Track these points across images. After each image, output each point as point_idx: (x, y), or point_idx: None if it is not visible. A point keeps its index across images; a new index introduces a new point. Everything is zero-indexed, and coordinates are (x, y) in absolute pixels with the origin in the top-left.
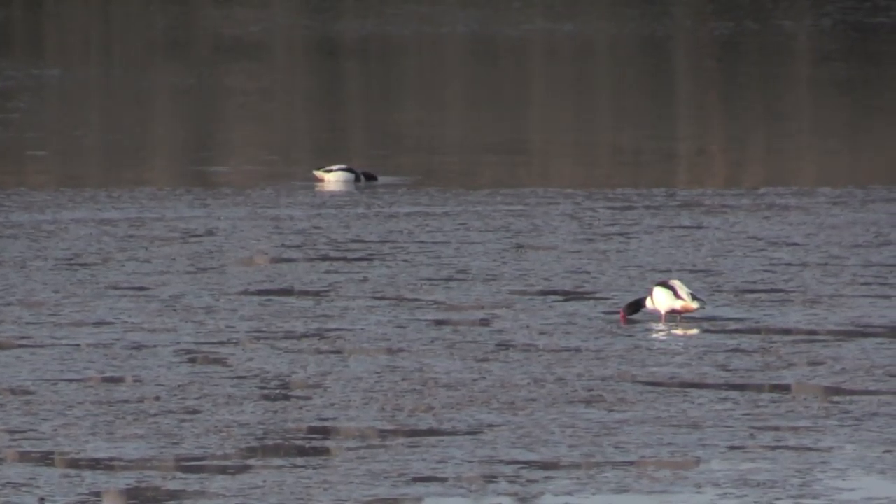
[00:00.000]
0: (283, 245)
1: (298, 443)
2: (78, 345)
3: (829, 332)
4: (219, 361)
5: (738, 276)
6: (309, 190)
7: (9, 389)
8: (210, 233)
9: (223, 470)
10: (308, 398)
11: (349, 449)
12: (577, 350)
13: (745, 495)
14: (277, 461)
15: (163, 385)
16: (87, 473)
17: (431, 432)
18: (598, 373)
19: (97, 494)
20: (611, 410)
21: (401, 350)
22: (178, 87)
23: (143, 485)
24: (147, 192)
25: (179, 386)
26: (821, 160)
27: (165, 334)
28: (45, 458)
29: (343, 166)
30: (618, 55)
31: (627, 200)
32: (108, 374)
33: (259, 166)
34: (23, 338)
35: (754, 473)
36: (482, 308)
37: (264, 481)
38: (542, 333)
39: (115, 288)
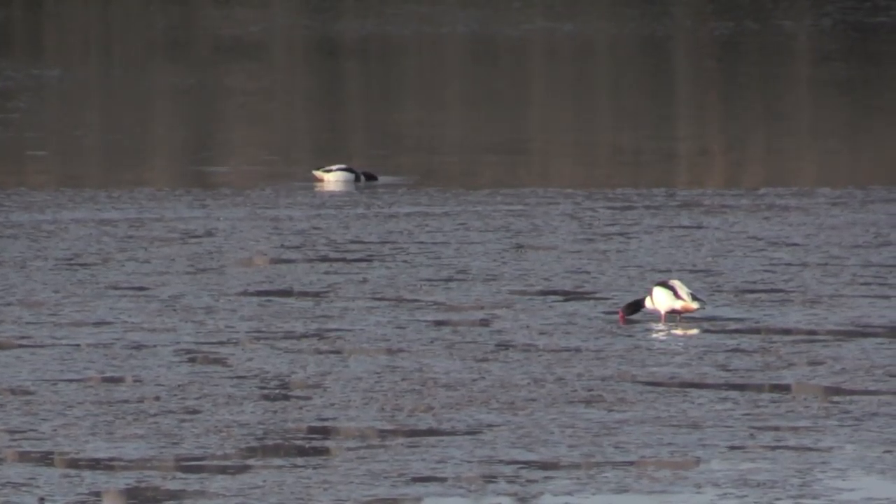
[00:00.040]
0: (282, 245)
1: (298, 443)
2: (78, 345)
3: (829, 333)
4: (219, 361)
5: (737, 276)
6: (308, 190)
7: (9, 389)
8: (210, 233)
9: (223, 470)
10: (308, 398)
11: (349, 449)
12: (577, 350)
13: (745, 495)
14: (277, 461)
15: (163, 385)
16: (86, 473)
17: (431, 432)
18: (598, 373)
19: (97, 494)
20: (611, 410)
21: (400, 350)
22: (178, 87)
23: (143, 485)
24: (147, 193)
25: (179, 386)
26: (821, 160)
27: (165, 334)
28: (45, 458)
29: (343, 166)
30: (618, 55)
31: (627, 200)
32: (107, 374)
33: (259, 166)
34: (23, 338)
35: (754, 473)
36: (482, 308)
37: (264, 481)
38: (541, 333)
39: (115, 288)
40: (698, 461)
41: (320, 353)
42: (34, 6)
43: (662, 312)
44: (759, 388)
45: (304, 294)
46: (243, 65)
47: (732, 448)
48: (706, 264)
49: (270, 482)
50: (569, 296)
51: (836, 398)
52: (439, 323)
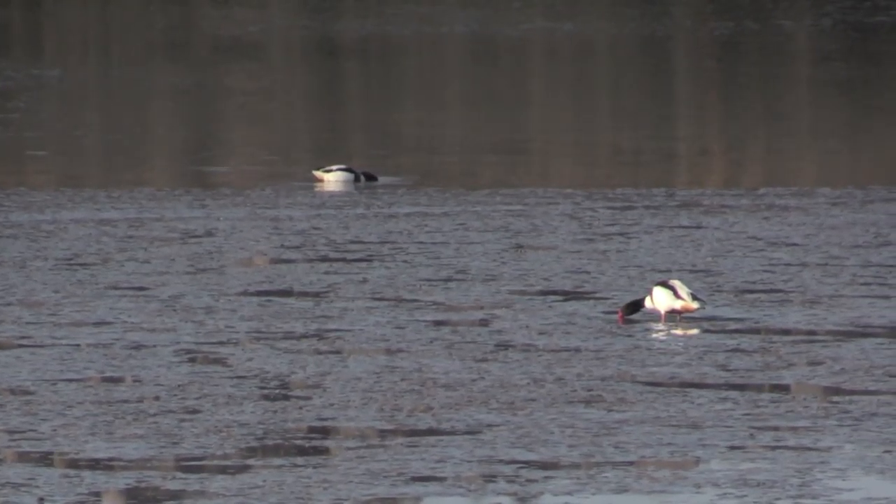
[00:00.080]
0: (282, 246)
1: (298, 442)
2: (78, 345)
3: (829, 333)
4: (218, 361)
5: (737, 276)
6: (308, 190)
7: (8, 389)
8: (209, 233)
9: (223, 470)
10: (307, 398)
11: (349, 449)
12: (577, 350)
13: (745, 495)
14: (277, 461)
15: (162, 385)
16: (86, 473)
17: (430, 432)
18: (598, 373)
19: (97, 494)
20: (610, 410)
21: (400, 350)
22: (177, 87)
23: (143, 485)
24: (146, 193)
25: (179, 386)
26: (821, 160)
27: (165, 334)
28: (45, 458)
29: (343, 166)
30: (618, 55)
31: (627, 200)
32: (107, 374)
33: (258, 166)
34: (22, 338)
35: (754, 473)
36: (481, 308)
37: (264, 481)
38: (541, 333)
39: (115, 288)
40: (698, 461)
41: (320, 353)
42: (34, 6)
43: (662, 312)
44: (758, 389)
45: (304, 294)
46: (243, 65)
47: (732, 448)
48: (706, 264)
49: (270, 482)
50: (568, 296)
51: (835, 398)
52: (439, 323)
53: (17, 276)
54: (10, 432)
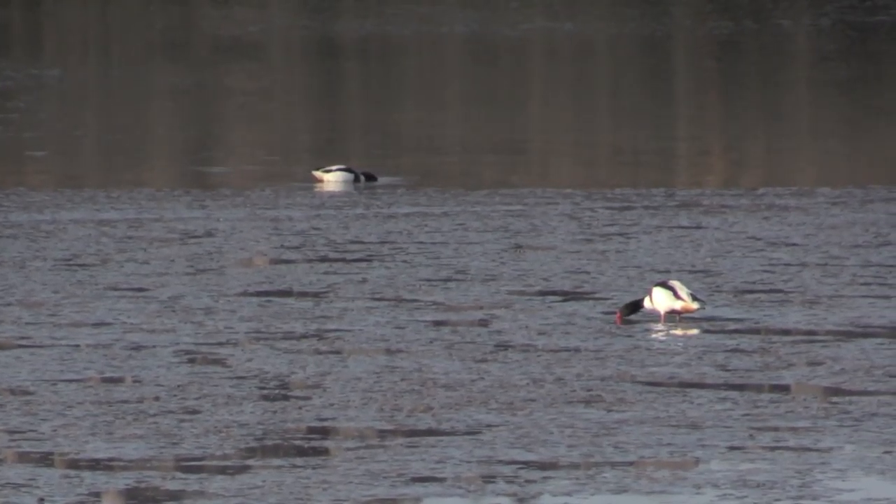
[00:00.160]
0: (282, 246)
1: (297, 443)
2: (77, 345)
3: (829, 333)
4: (218, 362)
5: (737, 276)
6: (308, 190)
7: (8, 390)
8: (209, 234)
9: (222, 470)
10: (307, 398)
11: (348, 449)
12: (576, 350)
13: (745, 496)
14: (277, 461)
15: (162, 385)
16: (86, 474)
17: (430, 432)
18: (597, 373)
19: (97, 495)
20: (610, 411)
21: (400, 350)
22: (177, 87)
23: (143, 485)
24: (146, 193)
25: (179, 386)
26: (820, 160)
27: (165, 335)
28: (45, 459)
29: (342, 167)
30: (617, 55)
31: (626, 201)
32: (107, 375)
33: (258, 166)
34: (22, 338)
35: (754, 474)
36: (481, 308)
37: (263, 481)
38: (540, 334)
39: (115, 289)
40: (697, 461)
41: (320, 353)
42: (33, 6)
43: (662, 313)
44: (758, 389)
45: (304, 294)
46: (242, 65)
47: (732, 448)
48: (705, 264)
49: (270, 482)
50: (568, 296)
51: (835, 398)
52: (438, 323)
53: (17, 276)
54: (10, 432)
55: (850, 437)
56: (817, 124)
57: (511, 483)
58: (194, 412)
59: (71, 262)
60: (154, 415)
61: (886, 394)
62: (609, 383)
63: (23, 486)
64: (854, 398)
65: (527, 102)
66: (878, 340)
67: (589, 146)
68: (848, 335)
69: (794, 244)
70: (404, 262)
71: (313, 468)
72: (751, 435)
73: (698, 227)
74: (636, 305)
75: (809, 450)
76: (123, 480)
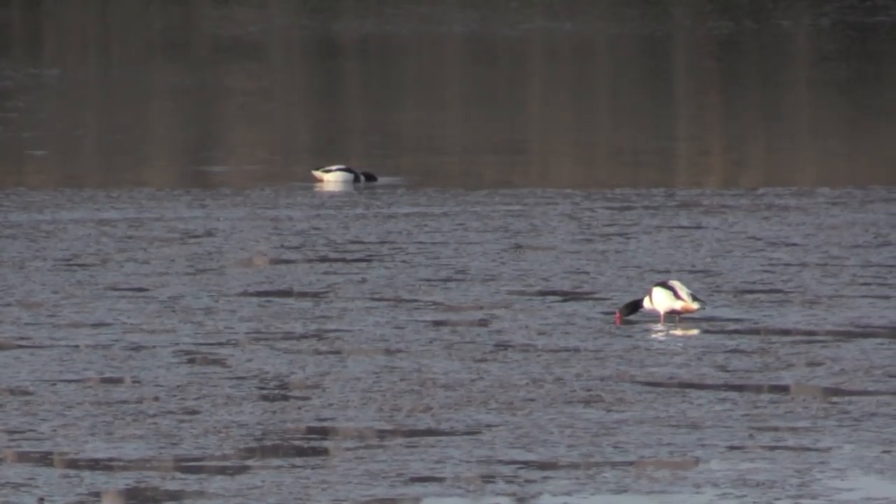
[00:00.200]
0: (282, 246)
1: (297, 443)
2: (77, 345)
3: (828, 333)
4: (218, 362)
5: (737, 276)
6: (308, 190)
7: (8, 390)
8: (209, 233)
9: (222, 470)
10: (307, 398)
11: (347, 449)
12: (576, 350)
13: (744, 495)
14: (276, 461)
15: (162, 386)
16: (86, 474)
17: (430, 432)
18: (597, 373)
19: (96, 495)
20: (609, 411)
21: (399, 350)
22: (177, 87)
23: (142, 485)
24: (146, 193)
25: (178, 386)
26: (820, 160)
27: (164, 335)
28: (45, 459)
29: (342, 166)
30: (618, 55)
31: (626, 201)
32: (107, 375)
33: (258, 166)
34: (22, 338)
35: (753, 474)
36: (481, 308)
37: (263, 481)
38: (540, 334)
39: (114, 289)
40: (697, 461)
41: (319, 353)
42: (33, 6)
43: (662, 313)
44: (758, 389)
45: (304, 294)
46: (242, 65)
47: (731, 448)
48: (705, 265)
49: (269, 482)
50: (567, 296)
51: (834, 398)
52: (438, 323)
53: (16, 276)
54: (10, 432)
55: (849, 436)
56: (817, 124)
57: (511, 483)
58: (194, 412)
59: (71, 262)
60: (153, 415)
61: (886, 394)
62: (609, 383)
63: (22, 485)
64: (853, 398)
65: (527, 102)
66: (878, 340)
67: (589, 146)
68: (848, 335)
69: (794, 244)
70: (404, 262)
71: (313, 468)
72: (750, 435)
73: (698, 227)
74: (636, 305)
75: (809, 449)
76: (123, 480)
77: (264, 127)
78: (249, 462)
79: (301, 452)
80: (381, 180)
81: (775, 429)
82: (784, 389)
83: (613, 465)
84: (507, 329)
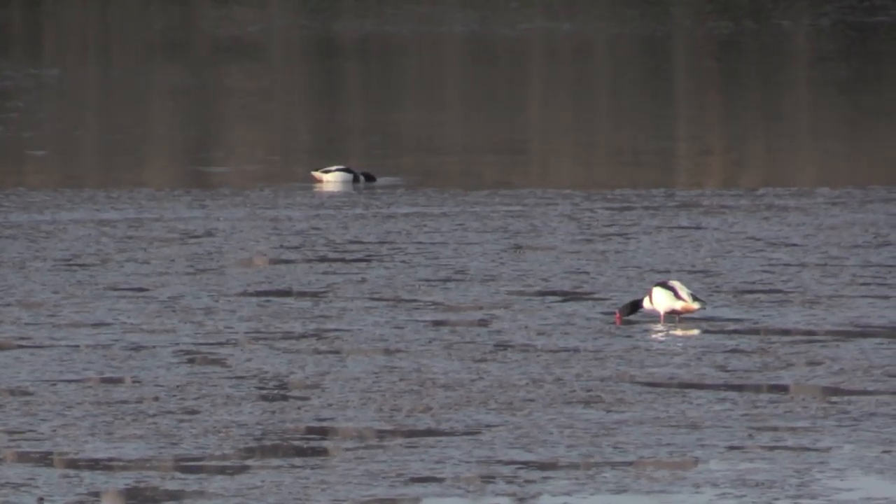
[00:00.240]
0: (281, 246)
1: (297, 443)
2: (77, 345)
3: (828, 333)
4: (217, 362)
5: (736, 276)
6: (308, 190)
7: (8, 390)
8: (209, 234)
9: (222, 470)
10: (306, 398)
11: (347, 449)
12: (576, 350)
13: (744, 495)
14: (276, 461)
15: (162, 385)
16: (86, 474)
17: (429, 432)
18: (597, 373)
19: (96, 495)
20: (609, 411)
21: (399, 350)
22: (177, 87)
23: (142, 485)
24: (146, 193)
25: (178, 386)
26: (820, 160)
27: (164, 335)
28: (44, 459)
29: (342, 167)
30: (617, 55)
31: (626, 201)
32: (107, 375)
33: (258, 166)
34: (22, 338)
35: (753, 473)
36: (480, 308)
37: (263, 481)
38: (540, 334)
39: (114, 289)
40: (697, 461)
41: (319, 353)
42: (33, 6)
43: (662, 313)
44: (757, 389)
45: (303, 294)
46: (242, 65)
47: (731, 448)
48: (705, 265)
49: (269, 482)
50: (567, 296)
51: (834, 398)
52: (438, 323)
53: (16, 276)
54: (10, 432)
55: (848, 436)
56: (817, 124)
57: (510, 483)
58: (193, 412)
59: (71, 262)
60: (153, 415)
61: (885, 394)
62: (608, 384)
63: (22, 485)
64: (853, 398)
65: (527, 102)
66: (878, 340)
67: (589, 146)
68: (847, 335)
69: (793, 244)
70: (403, 262)
71: (312, 468)
72: (750, 435)
73: (698, 228)
74: (635, 305)
75: (808, 449)
76: (123, 480)
77: (264, 127)
78: (249, 462)
79: (301, 452)
80: (381, 180)
81: (775, 429)
82: (783, 389)
83: (613, 465)
84: (507, 329)
